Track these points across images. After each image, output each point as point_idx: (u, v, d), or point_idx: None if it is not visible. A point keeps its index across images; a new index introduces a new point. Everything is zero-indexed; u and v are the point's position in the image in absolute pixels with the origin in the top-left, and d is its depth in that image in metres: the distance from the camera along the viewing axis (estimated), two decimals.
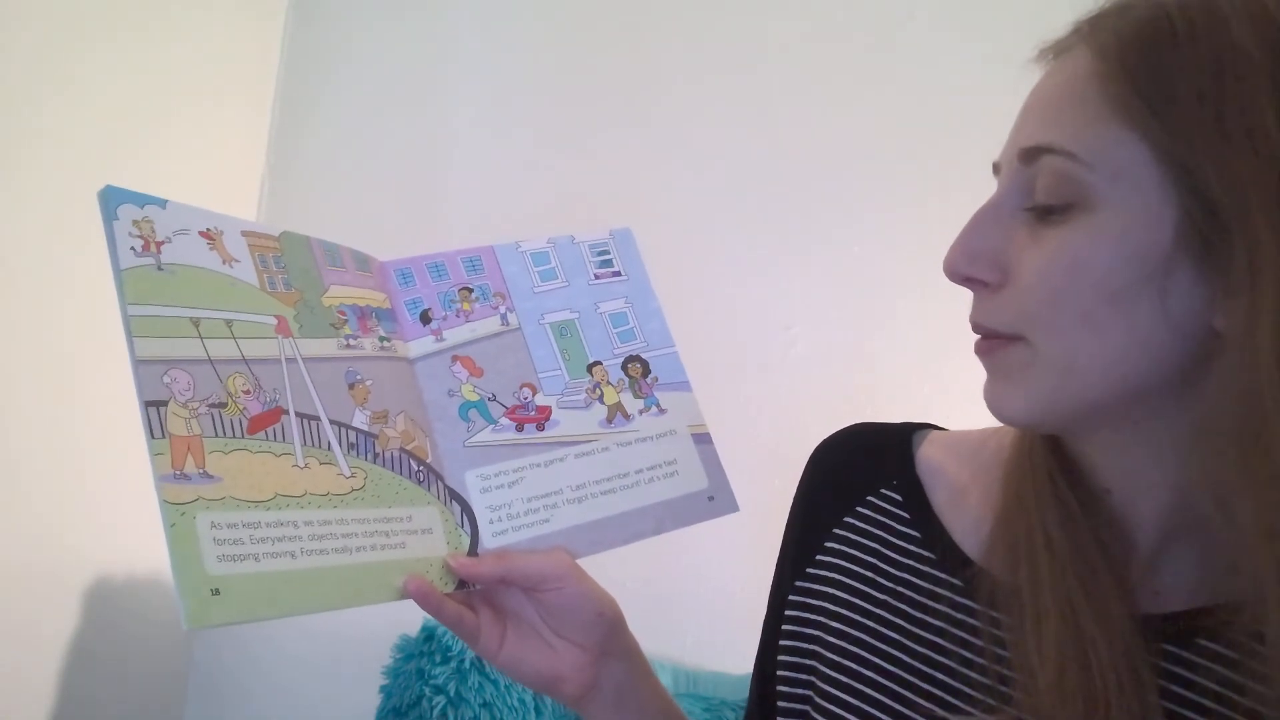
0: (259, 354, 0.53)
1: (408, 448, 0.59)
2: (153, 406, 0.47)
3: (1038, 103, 0.48)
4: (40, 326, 1.32)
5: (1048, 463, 0.52)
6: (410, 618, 1.16)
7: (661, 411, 0.70)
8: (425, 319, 0.66)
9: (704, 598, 1.43)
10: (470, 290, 0.68)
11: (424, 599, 0.54)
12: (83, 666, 1.36)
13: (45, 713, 1.30)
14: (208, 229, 0.53)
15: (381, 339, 0.61)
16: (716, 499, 0.69)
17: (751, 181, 1.52)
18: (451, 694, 1.13)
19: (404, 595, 0.53)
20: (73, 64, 1.34)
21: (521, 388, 0.67)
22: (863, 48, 1.49)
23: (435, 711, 1.11)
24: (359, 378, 0.58)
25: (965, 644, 0.51)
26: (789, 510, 0.65)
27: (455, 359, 0.66)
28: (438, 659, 1.15)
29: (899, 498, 0.59)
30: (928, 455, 0.60)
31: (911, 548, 0.57)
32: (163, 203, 0.52)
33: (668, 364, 0.72)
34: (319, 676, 1.50)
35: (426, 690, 1.13)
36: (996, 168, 0.50)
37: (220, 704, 1.55)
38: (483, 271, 0.69)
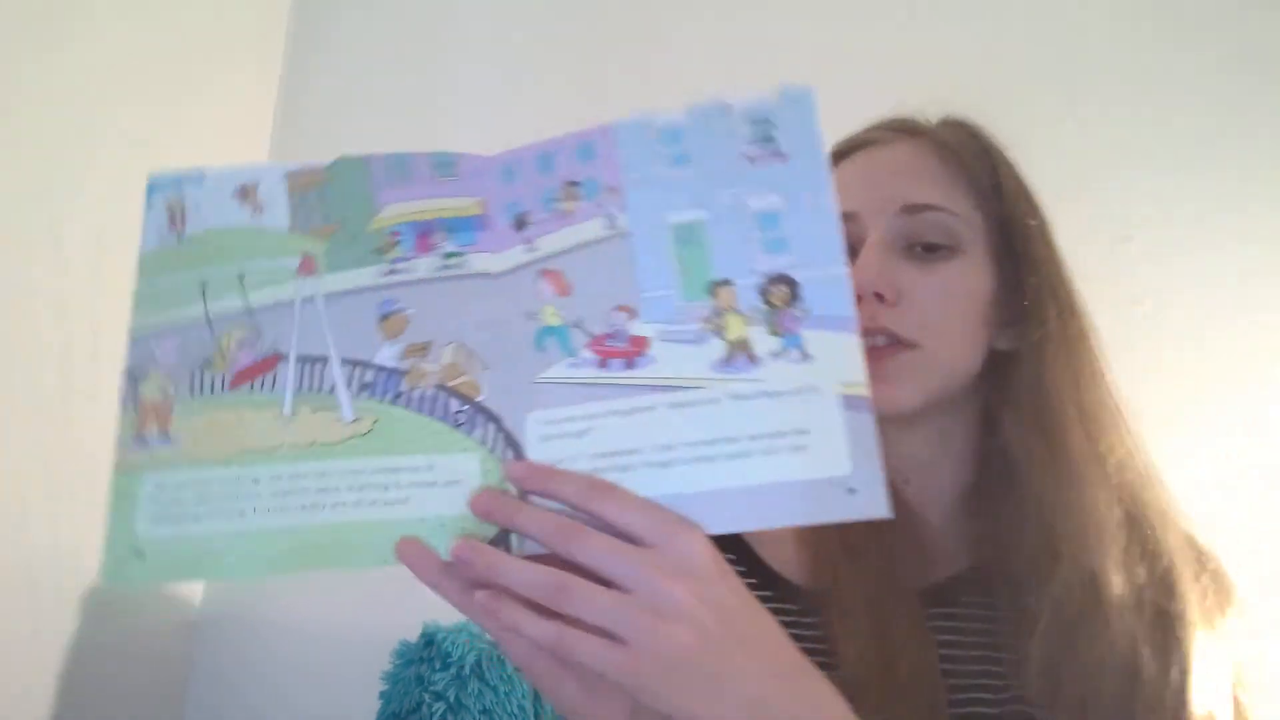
0: (269, 301, 0.51)
1: (451, 384, 0.52)
2: (133, 379, 0.49)
3: (903, 169, 0.71)
4: (41, 326, 1.29)
5: None
6: (410, 621, 1.15)
7: (805, 357, 0.50)
8: (520, 224, 0.55)
9: None
10: (576, 184, 0.55)
11: (416, 563, 0.49)
12: (83, 668, 1.36)
13: (45, 713, 1.30)
14: (242, 184, 0.52)
15: (448, 255, 0.54)
16: (860, 493, 0.48)
17: None
18: (451, 700, 1.09)
19: (382, 561, 0.49)
20: (72, 23, 1.32)
21: (616, 311, 0.53)
22: (865, 47, 1.39)
23: (434, 718, 1.09)
24: (398, 307, 0.53)
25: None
26: None
27: (543, 273, 0.54)
28: (437, 665, 1.11)
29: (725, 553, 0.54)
30: None
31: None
32: (200, 178, 0.52)
33: (828, 291, 0.50)
34: (318, 681, 1.52)
35: (426, 696, 1.10)
36: (854, 216, 0.68)
37: (219, 707, 1.59)
38: (595, 159, 0.55)
